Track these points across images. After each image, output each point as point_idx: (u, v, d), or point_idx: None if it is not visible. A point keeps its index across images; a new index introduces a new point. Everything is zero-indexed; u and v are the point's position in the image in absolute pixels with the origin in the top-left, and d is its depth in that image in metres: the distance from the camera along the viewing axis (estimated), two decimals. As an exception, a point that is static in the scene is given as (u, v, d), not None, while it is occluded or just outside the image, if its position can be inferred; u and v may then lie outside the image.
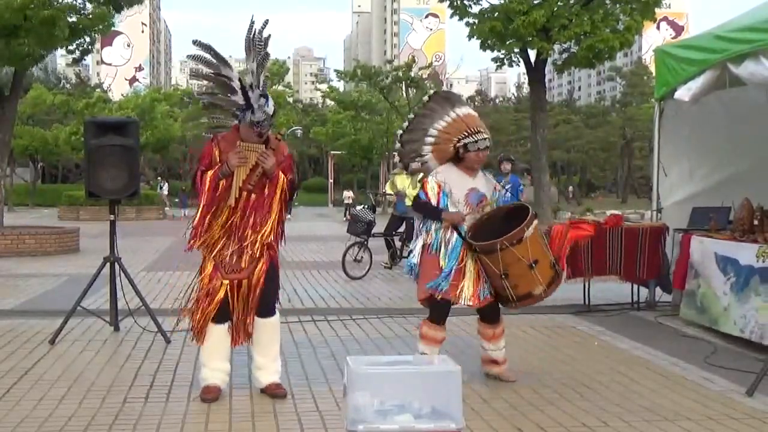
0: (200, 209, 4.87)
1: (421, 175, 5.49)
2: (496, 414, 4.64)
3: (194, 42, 4.85)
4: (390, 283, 11.05)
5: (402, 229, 12.94)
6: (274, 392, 4.97)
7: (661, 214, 8.65)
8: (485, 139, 5.29)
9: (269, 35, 4.85)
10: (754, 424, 4.47)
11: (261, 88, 4.78)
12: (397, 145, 5.57)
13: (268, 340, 5.06)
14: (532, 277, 5.12)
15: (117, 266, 6.98)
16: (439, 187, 5.27)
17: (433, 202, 5.27)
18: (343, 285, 10.82)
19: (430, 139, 5.41)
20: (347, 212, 31.86)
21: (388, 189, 14.03)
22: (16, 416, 4.55)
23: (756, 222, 6.93)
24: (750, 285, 6.45)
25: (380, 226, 13.05)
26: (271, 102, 4.80)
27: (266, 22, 4.87)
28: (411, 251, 5.54)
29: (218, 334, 4.95)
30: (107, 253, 7.01)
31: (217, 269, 4.90)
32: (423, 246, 5.33)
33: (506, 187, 12.43)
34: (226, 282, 4.89)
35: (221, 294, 4.88)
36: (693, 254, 7.51)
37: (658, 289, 8.53)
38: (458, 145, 5.29)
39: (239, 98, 4.77)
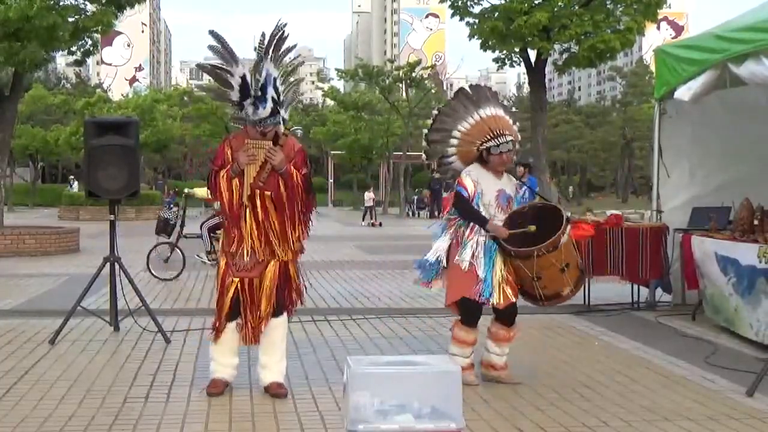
0: (226, 212, 4.93)
1: None
2: (496, 414, 4.64)
3: (210, 32, 4.86)
4: (390, 283, 11.04)
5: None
6: (275, 392, 4.98)
7: (661, 215, 8.64)
8: (508, 142, 5.23)
9: (267, 38, 4.85)
10: (754, 424, 4.46)
11: (255, 90, 4.78)
12: (424, 144, 5.59)
13: (274, 340, 5.09)
14: (562, 280, 5.21)
15: (117, 266, 6.99)
16: (475, 185, 5.25)
17: (470, 194, 5.21)
18: (343, 285, 10.81)
19: (454, 141, 5.39)
20: (370, 215, 29.49)
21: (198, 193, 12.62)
22: (16, 416, 4.55)
23: (756, 222, 6.92)
24: (757, 287, 6.39)
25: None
26: (268, 105, 4.79)
27: (285, 25, 4.91)
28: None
29: (228, 330, 5.02)
30: (107, 253, 7.01)
31: (229, 266, 4.95)
32: (450, 247, 5.28)
33: (523, 188, 12.40)
34: (237, 280, 4.93)
35: (231, 291, 4.93)
36: (696, 254, 7.50)
37: (658, 289, 8.52)
38: (481, 148, 5.27)
39: (234, 94, 4.84)
